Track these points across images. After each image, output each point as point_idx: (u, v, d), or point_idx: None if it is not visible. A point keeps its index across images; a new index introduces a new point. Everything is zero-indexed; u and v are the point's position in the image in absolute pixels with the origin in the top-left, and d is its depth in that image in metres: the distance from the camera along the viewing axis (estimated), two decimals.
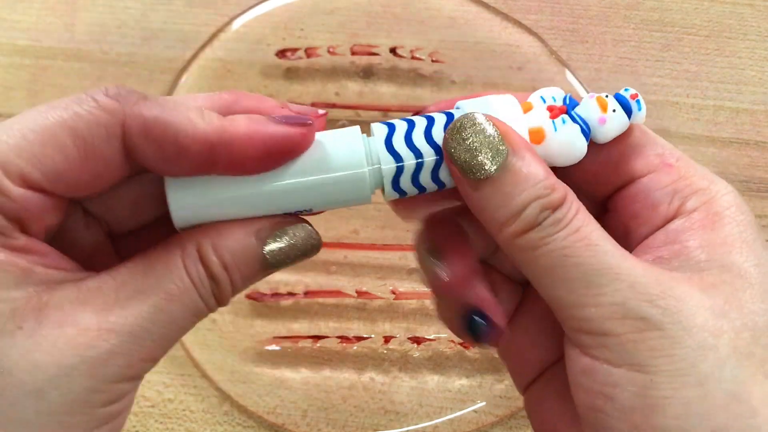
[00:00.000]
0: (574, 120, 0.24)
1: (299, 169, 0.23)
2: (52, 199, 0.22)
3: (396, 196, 0.24)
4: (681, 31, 0.49)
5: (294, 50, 0.47)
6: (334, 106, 0.46)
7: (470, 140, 0.23)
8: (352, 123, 0.46)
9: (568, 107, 0.25)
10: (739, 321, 0.21)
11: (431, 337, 0.43)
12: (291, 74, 0.48)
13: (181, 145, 0.21)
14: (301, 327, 0.43)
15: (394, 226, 0.45)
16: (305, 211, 0.24)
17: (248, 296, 0.43)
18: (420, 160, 0.24)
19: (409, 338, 0.42)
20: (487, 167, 0.22)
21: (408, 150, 0.24)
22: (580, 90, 0.46)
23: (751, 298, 0.22)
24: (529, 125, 0.24)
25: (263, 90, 0.47)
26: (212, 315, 0.46)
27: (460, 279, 0.25)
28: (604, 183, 0.25)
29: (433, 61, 0.47)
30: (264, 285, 0.43)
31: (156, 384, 0.42)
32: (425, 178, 0.24)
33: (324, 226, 0.44)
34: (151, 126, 0.21)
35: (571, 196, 0.22)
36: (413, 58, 0.47)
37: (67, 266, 0.23)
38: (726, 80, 0.48)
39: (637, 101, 0.24)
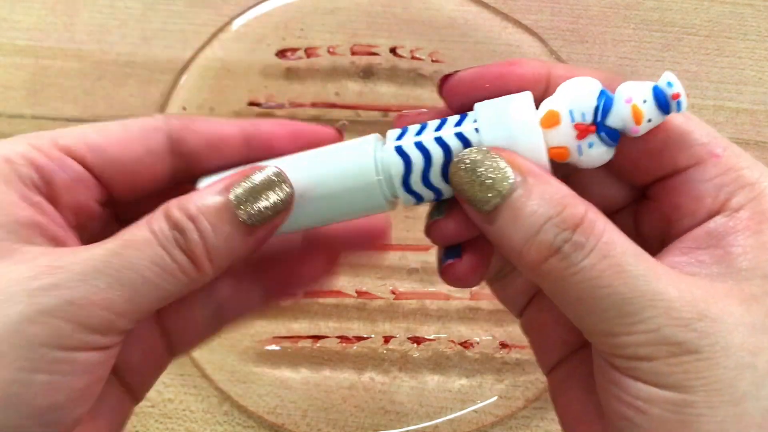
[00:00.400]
0: (602, 141, 0.22)
1: (314, 182, 0.24)
2: (89, 176, 0.24)
3: (413, 201, 0.24)
4: (681, 31, 0.49)
5: (294, 50, 0.47)
6: (334, 106, 0.46)
7: (474, 175, 0.22)
8: (352, 123, 0.46)
9: (598, 125, 0.22)
10: None
11: (431, 337, 0.43)
12: (291, 74, 0.48)
13: (221, 132, 0.26)
14: (301, 327, 0.43)
15: (395, 226, 0.45)
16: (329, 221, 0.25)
17: None
18: (428, 161, 0.23)
19: (409, 338, 0.42)
20: (495, 196, 0.21)
21: (418, 151, 0.23)
22: None
23: None
24: (551, 143, 0.23)
25: (263, 90, 0.47)
26: None
27: (453, 229, 0.24)
28: (644, 172, 0.24)
29: (433, 61, 0.47)
30: None
31: (156, 384, 0.42)
32: (435, 177, 0.23)
33: None
34: (192, 121, 0.26)
35: (593, 213, 0.21)
36: (413, 58, 0.47)
37: (71, 244, 0.23)
38: (726, 80, 0.48)
39: (678, 102, 0.22)
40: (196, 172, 0.26)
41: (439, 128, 0.23)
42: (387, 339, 0.42)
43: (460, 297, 0.43)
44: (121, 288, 0.21)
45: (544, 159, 0.22)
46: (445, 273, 0.25)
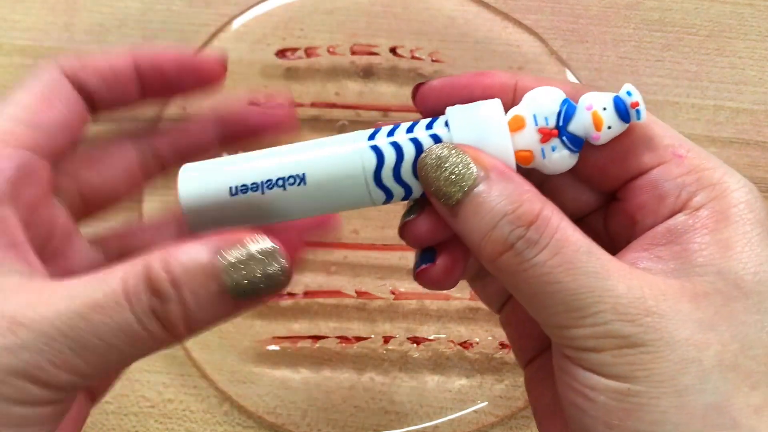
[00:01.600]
0: (564, 145, 0.24)
1: (299, 159, 0.24)
2: (36, 161, 0.23)
3: (383, 198, 0.25)
4: (681, 31, 0.49)
5: (294, 50, 0.47)
6: (334, 106, 0.46)
7: (439, 169, 0.23)
8: (352, 123, 0.46)
9: (561, 129, 0.24)
10: (727, 333, 0.21)
11: (431, 337, 0.43)
12: (291, 74, 0.48)
13: (114, 66, 0.26)
14: (300, 327, 0.43)
15: (395, 226, 0.44)
16: (310, 212, 0.25)
17: None
18: (400, 156, 0.24)
19: (408, 338, 0.42)
20: (457, 191, 0.22)
21: (390, 147, 0.24)
22: None
23: (744, 309, 0.21)
24: (516, 147, 0.24)
25: (263, 90, 0.47)
26: None
27: (426, 230, 0.25)
28: (612, 176, 0.25)
29: (433, 61, 0.47)
30: None
31: (156, 384, 0.42)
32: (406, 173, 0.24)
33: None
34: (85, 58, 0.25)
35: (548, 210, 0.22)
36: (413, 58, 0.47)
37: (29, 262, 0.22)
38: (726, 80, 0.48)
39: (637, 111, 0.23)
40: (99, 109, 0.26)
41: (411, 128, 0.24)
42: (387, 339, 0.42)
43: (460, 297, 0.43)
44: (86, 354, 0.20)
45: (512, 160, 0.23)
46: (419, 277, 0.25)
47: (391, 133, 0.24)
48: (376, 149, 0.24)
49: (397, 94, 0.47)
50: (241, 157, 0.25)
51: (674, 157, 0.23)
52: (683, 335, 0.21)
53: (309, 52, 0.47)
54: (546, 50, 0.47)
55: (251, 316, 0.43)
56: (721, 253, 0.22)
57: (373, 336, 0.43)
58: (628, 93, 0.23)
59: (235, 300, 0.21)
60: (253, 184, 0.24)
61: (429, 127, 0.24)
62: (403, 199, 0.25)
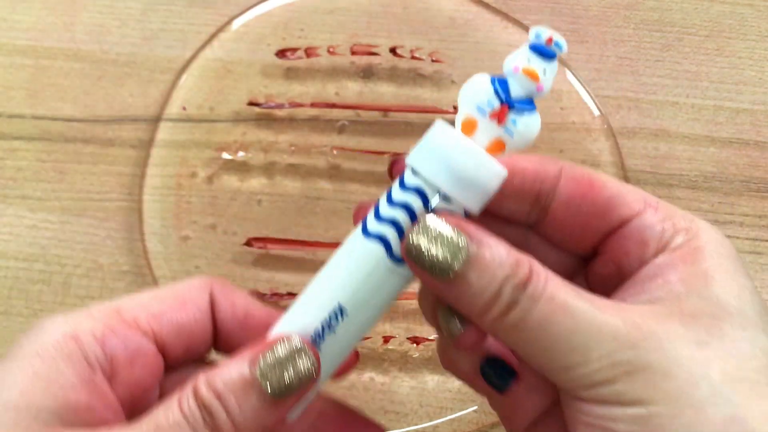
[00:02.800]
0: (521, 113, 0.24)
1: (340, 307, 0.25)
2: (149, 347, 0.25)
3: (408, 268, 0.25)
4: (681, 31, 0.49)
5: (294, 50, 0.47)
6: (334, 106, 0.46)
7: (427, 246, 0.23)
8: (352, 123, 0.46)
9: (509, 102, 0.24)
10: (721, 350, 0.22)
11: (431, 337, 0.43)
12: (291, 74, 0.48)
13: (251, 311, 0.28)
14: None
15: None
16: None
17: None
18: (399, 228, 0.24)
19: (408, 338, 0.42)
20: (452, 266, 0.22)
21: (385, 226, 0.24)
22: (580, 90, 0.46)
23: (732, 327, 0.22)
24: (483, 144, 0.24)
25: (263, 90, 0.47)
26: None
27: (476, 333, 0.24)
28: (592, 233, 0.26)
29: (433, 61, 0.47)
30: (264, 285, 0.43)
31: None
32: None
33: (324, 225, 0.45)
34: (231, 290, 0.28)
35: (537, 265, 0.23)
36: (413, 58, 0.47)
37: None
38: (726, 80, 0.48)
39: (556, 43, 0.23)
40: (217, 342, 0.27)
41: (389, 198, 0.24)
42: (387, 339, 0.42)
43: None
44: None
45: (489, 160, 0.23)
46: (506, 395, 0.26)
47: (377, 214, 0.24)
48: (376, 237, 0.24)
49: (397, 94, 0.47)
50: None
51: (648, 207, 0.25)
52: (685, 353, 0.21)
53: (309, 52, 0.47)
54: None
55: None
56: (703, 281, 0.23)
57: (372, 336, 0.43)
58: (537, 35, 0.23)
59: (276, 401, 0.23)
60: None
61: (402, 185, 0.24)
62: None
